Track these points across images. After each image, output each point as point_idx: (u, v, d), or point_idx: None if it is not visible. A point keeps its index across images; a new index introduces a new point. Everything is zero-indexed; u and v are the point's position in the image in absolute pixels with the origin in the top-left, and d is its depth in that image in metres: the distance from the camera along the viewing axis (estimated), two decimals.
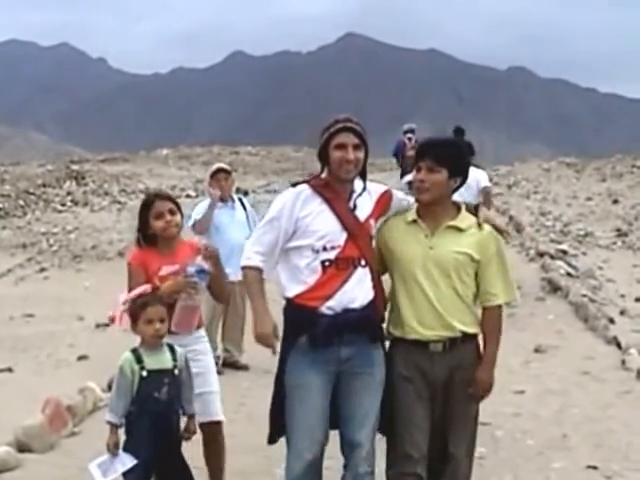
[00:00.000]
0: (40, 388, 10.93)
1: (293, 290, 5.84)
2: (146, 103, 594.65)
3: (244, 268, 5.97)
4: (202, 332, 7.04)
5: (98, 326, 15.20)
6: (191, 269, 6.54)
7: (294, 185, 6.00)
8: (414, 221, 5.98)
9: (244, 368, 12.02)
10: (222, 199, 11.64)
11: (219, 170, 11.97)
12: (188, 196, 32.55)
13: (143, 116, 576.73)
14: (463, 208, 6.07)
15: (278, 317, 5.99)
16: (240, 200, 12.15)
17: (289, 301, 5.90)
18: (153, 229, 6.80)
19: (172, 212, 6.79)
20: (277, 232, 5.86)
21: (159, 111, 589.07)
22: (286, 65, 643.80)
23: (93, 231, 26.26)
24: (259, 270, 5.91)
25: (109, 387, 9.11)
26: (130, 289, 6.52)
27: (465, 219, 5.98)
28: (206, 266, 6.59)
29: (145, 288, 6.38)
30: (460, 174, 5.96)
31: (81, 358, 13.22)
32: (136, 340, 6.38)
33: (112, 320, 10.95)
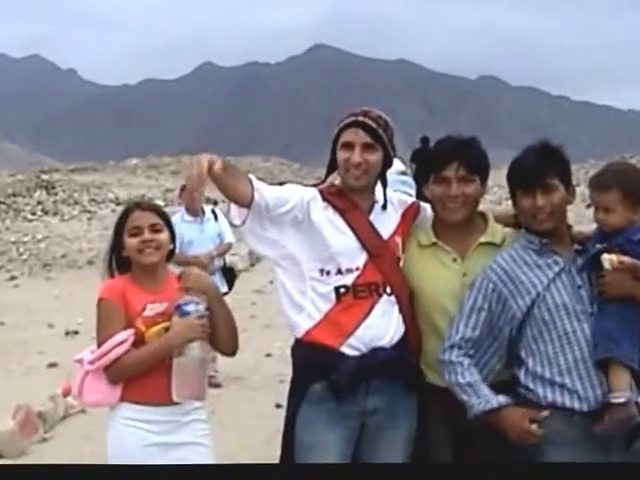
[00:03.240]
0: (10, 395, 10.91)
1: (302, 325, 4.57)
2: (116, 114, 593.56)
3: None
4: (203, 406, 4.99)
5: (67, 333, 15.21)
6: (197, 307, 4.63)
7: (281, 184, 4.81)
8: (434, 244, 4.70)
9: (217, 386, 11.95)
10: (192, 213, 11.49)
11: None
12: None
13: (113, 126, 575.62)
14: (491, 217, 4.80)
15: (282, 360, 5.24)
16: (213, 212, 12.12)
17: (298, 341, 4.64)
18: (126, 250, 4.81)
19: (155, 229, 4.77)
20: (291, 197, 4.56)
21: (128, 122, 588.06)
22: (255, 76, 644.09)
23: (63, 240, 26.31)
24: (252, 190, 4.43)
25: None
26: (102, 338, 4.68)
27: (497, 231, 4.71)
28: (201, 303, 4.65)
29: (125, 336, 4.60)
30: (487, 179, 4.75)
31: (51, 365, 13.18)
32: None
33: (66, 392, 9.71)
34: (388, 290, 4.59)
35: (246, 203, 4.44)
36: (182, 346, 4.56)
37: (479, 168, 4.62)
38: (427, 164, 4.71)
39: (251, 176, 4.47)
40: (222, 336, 4.78)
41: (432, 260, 4.67)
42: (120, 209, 5.41)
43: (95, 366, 4.63)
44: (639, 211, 4.32)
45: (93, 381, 4.68)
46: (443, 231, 4.68)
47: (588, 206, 28.55)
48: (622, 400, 4.06)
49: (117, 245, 4.86)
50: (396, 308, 4.60)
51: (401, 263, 4.73)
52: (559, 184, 4.35)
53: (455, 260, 4.64)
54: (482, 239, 4.65)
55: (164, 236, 4.80)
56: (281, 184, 4.76)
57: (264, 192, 4.44)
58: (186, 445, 4.69)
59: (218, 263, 11.51)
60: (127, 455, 4.56)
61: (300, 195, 4.57)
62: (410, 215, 4.84)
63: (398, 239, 4.73)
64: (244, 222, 4.51)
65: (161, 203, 33.71)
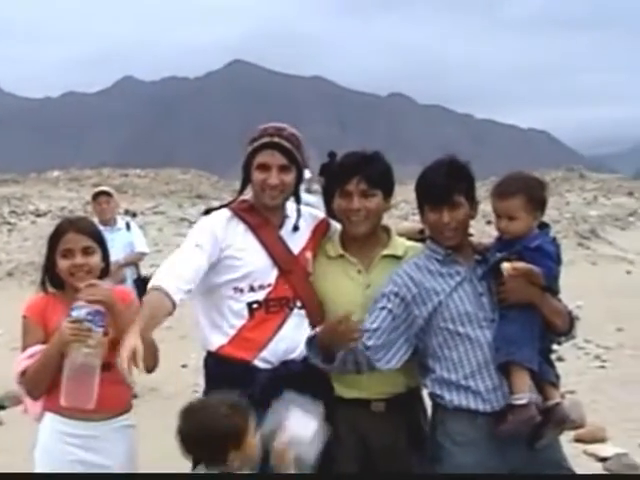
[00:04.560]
0: None
1: (215, 341, 4.54)
2: (37, 126, 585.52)
3: (151, 290, 4.32)
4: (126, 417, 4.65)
5: None
6: (79, 311, 4.31)
7: (207, 212, 4.77)
8: (340, 256, 4.67)
9: (133, 397, 11.81)
10: (104, 222, 11.20)
11: (100, 193, 11.76)
12: None
13: (34, 139, 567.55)
14: (393, 231, 4.84)
15: None
16: (127, 223, 12.01)
17: (211, 354, 4.58)
18: (59, 269, 4.57)
19: (87, 252, 4.53)
20: (203, 257, 4.45)
21: (50, 134, 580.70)
22: (174, 90, 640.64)
23: None
24: (170, 301, 4.27)
25: None
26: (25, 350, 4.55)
27: (399, 244, 4.73)
28: (89, 308, 4.32)
29: (33, 351, 4.45)
30: (392, 193, 4.72)
31: None
32: None
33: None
34: (298, 304, 4.56)
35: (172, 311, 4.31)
36: (63, 349, 4.29)
37: (381, 182, 4.58)
38: (332, 178, 4.70)
39: (163, 286, 4.26)
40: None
41: (338, 271, 4.65)
42: (40, 221, 5.16)
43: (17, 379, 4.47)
44: (538, 217, 4.39)
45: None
46: (349, 243, 4.66)
47: (488, 222, 29.10)
48: (523, 401, 4.11)
49: (50, 262, 4.60)
50: (306, 322, 4.56)
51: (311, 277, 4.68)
52: (464, 201, 4.39)
53: (360, 272, 4.62)
54: (385, 252, 4.64)
55: (96, 259, 4.55)
56: (207, 212, 4.73)
57: (182, 289, 4.31)
58: (107, 469, 4.43)
59: (130, 273, 11.40)
60: (53, 468, 4.40)
61: (210, 247, 4.49)
62: (321, 231, 4.80)
63: (308, 254, 4.69)
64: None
65: (81, 215, 33.46)
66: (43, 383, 4.42)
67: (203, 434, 3.77)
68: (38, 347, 4.42)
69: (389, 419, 4.53)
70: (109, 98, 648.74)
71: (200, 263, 4.43)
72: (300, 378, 4.39)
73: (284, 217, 4.71)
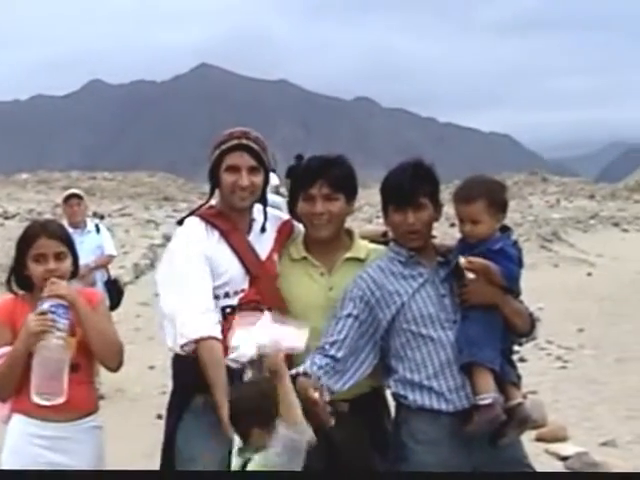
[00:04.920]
0: None
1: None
2: (5, 129, 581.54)
3: (199, 341, 4.30)
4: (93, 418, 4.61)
5: None
6: (45, 304, 4.35)
7: (180, 222, 4.68)
8: (304, 258, 4.67)
9: (100, 398, 11.69)
10: (73, 225, 11.13)
11: (72, 195, 11.69)
12: None
13: (2, 142, 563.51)
14: (356, 234, 4.82)
15: None
16: (97, 225, 11.95)
17: (180, 356, 4.49)
18: (30, 272, 4.54)
19: (59, 257, 4.52)
20: (208, 279, 4.45)
21: (18, 137, 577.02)
22: (141, 94, 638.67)
23: None
24: (219, 340, 4.31)
25: None
26: None
27: (362, 247, 4.72)
28: (52, 302, 4.37)
29: (4, 351, 4.42)
30: (354, 197, 4.74)
31: None
32: None
33: None
34: (266, 308, 4.46)
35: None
36: (30, 347, 4.29)
37: (344, 186, 4.59)
38: (297, 181, 4.70)
39: (211, 331, 4.33)
40: (94, 346, 4.47)
41: (301, 274, 4.65)
42: (9, 223, 5.07)
43: None
44: (500, 219, 4.40)
45: None
46: (312, 246, 4.66)
47: (452, 225, 29.24)
48: (488, 401, 4.13)
49: (20, 265, 4.58)
50: None
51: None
52: (429, 203, 4.40)
53: (322, 274, 4.63)
54: (348, 255, 4.65)
55: (67, 264, 4.56)
56: (180, 223, 4.66)
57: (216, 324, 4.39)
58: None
59: (100, 276, 11.35)
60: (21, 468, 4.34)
61: (204, 260, 4.46)
62: (285, 232, 4.80)
63: (275, 256, 4.69)
64: None
65: (50, 217, 33.31)
66: (11, 384, 4.39)
67: (261, 399, 3.82)
68: (6, 349, 4.38)
69: (353, 419, 4.49)
70: (77, 101, 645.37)
71: (210, 287, 4.43)
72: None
73: (251, 220, 4.69)
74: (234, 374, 4.27)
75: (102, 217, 32.63)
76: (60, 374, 4.30)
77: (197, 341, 4.30)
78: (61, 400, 4.27)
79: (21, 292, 4.62)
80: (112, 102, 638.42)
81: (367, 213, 32.99)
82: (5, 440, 4.45)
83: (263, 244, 4.66)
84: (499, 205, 4.40)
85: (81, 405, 4.47)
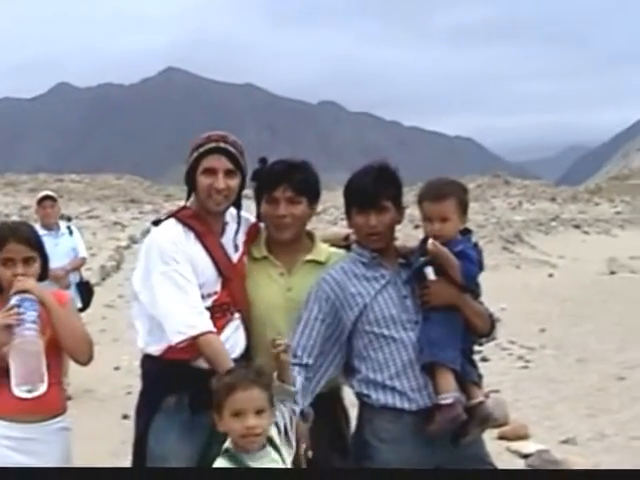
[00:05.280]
0: None
1: (158, 345, 4.46)
2: None
3: (198, 337, 4.33)
4: (62, 419, 4.57)
5: None
6: (13, 300, 4.34)
7: (156, 223, 4.65)
8: (265, 257, 4.70)
9: (68, 398, 11.55)
10: (47, 227, 11.13)
11: (46, 197, 11.65)
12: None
13: None
14: (317, 237, 4.83)
15: None
16: (69, 228, 11.88)
17: (150, 356, 4.52)
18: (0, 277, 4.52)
19: (28, 261, 4.49)
20: (193, 278, 4.45)
21: None
22: (109, 97, 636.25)
23: None
24: (216, 333, 4.38)
25: None
26: None
27: (322, 250, 4.74)
28: (30, 296, 4.37)
29: None
30: (317, 200, 4.76)
31: None
32: None
33: None
34: (237, 309, 4.55)
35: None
36: (2, 340, 4.21)
37: (306, 190, 4.60)
38: (261, 184, 4.68)
39: (206, 326, 4.35)
40: (65, 340, 4.42)
41: (262, 273, 4.66)
42: None
43: None
44: (464, 221, 4.44)
45: None
46: (274, 247, 4.68)
47: (416, 227, 29.37)
48: (450, 401, 4.16)
49: None
50: (242, 325, 4.56)
51: None
52: (392, 206, 4.42)
53: (282, 274, 4.64)
54: (308, 257, 4.66)
55: (35, 268, 4.50)
56: (156, 223, 4.63)
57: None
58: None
59: (73, 278, 11.32)
60: None
61: (186, 263, 4.44)
62: (252, 234, 4.78)
63: (245, 259, 4.70)
64: None
65: (18, 220, 33.13)
66: None
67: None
68: None
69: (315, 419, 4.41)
70: (45, 104, 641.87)
71: (196, 285, 4.41)
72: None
73: (224, 224, 4.67)
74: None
75: (70, 219, 32.39)
76: (38, 363, 4.21)
77: (196, 337, 4.30)
78: (43, 389, 4.18)
79: None
80: (80, 105, 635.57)
81: (332, 215, 33.10)
82: None
83: (234, 247, 4.65)
84: (464, 206, 4.45)
85: (50, 406, 4.41)
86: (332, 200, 36.40)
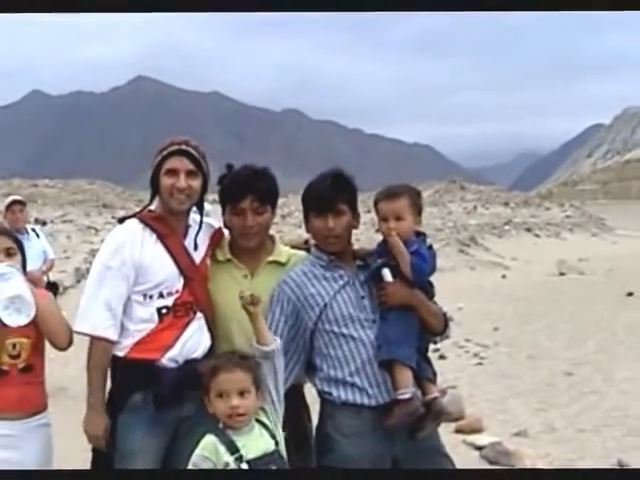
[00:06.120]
0: None
1: (124, 346, 4.49)
2: None
3: (93, 338, 4.43)
4: (44, 416, 4.57)
5: None
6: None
7: (121, 220, 4.71)
8: (228, 260, 4.73)
9: None
10: (17, 231, 11.00)
11: (14, 202, 11.57)
12: None
13: None
14: (277, 239, 4.90)
15: None
16: (34, 230, 11.86)
17: (115, 357, 4.51)
18: None
19: (9, 252, 4.48)
20: (124, 283, 4.48)
21: None
22: (80, 104, 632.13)
23: None
24: (111, 342, 4.44)
25: None
26: None
27: (283, 252, 4.79)
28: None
29: None
30: (276, 205, 4.82)
31: None
32: None
33: None
34: (199, 309, 4.57)
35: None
36: None
37: (270, 198, 4.65)
38: (225, 193, 4.70)
39: (104, 332, 4.41)
40: (47, 323, 4.37)
41: (226, 275, 4.68)
42: None
43: None
44: (417, 223, 4.48)
45: None
46: (236, 249, 4.71)
47: (377, 230, 29.33)
48: (408, 396, 4.19)
49: None
50: (205, 325, 4.58)
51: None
52: (347, 209, 4.46)
53: (246, 276, 4.66)
54: (270, 258, 4.70)
55: (18, 259, 4.48)
56: (121, 221, 4.67)
57: (115, 327, 4.44)
58: (24, 466, 4.33)
59: (45, 279, 11.34)
60: None
61: (128, 268, 4.47)
62: (216, 239, 4.81)
63: (208, 261, 4.72)
64: None
65: None
66: None
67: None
68: None
69: None
70: (18, 111, 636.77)
71: (122, 290, 4.46)
72: (201, 377, 4.26)
73: (187, 226, 4.68)
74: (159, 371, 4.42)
75: (44, 223, 32.29)
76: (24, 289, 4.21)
77: (92, 337, 4.42)
78: (32, 314, 4.16)
79: None
80: (52, 112, 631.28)
81: (297, 218, 33.16)
82: None
83: (198, 248, 4.67)
84: (418, 207, 4.49)
85: (33, 404, 4.44)
86: (297, 204, 36.43)
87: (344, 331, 4.34)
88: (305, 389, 4.77)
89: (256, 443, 3.92)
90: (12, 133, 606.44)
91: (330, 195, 4.44)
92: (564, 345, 15.32)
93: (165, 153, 4.53)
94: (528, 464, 7.91)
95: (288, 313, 4.42)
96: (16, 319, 4.12)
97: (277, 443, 4.02)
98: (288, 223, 32.10)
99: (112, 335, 4.41)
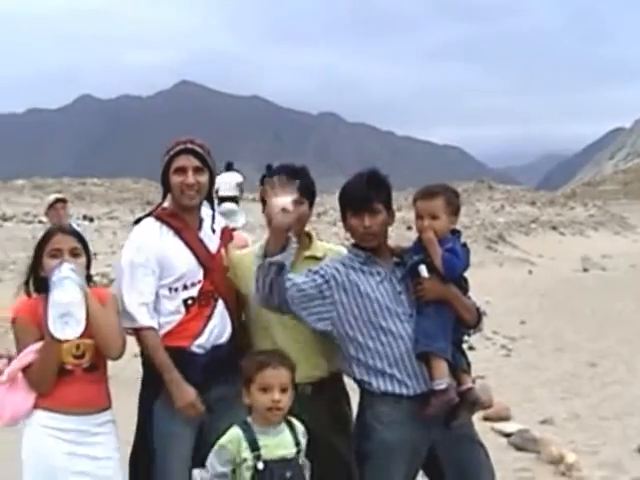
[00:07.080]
0: None
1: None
2: (3, 139, 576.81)
3: (140, 330, 4.49)
4: (109, 413, 4.54)
5: None
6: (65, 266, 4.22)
7: (137, 221, 4.75)
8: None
9: None
10: None
11: (57, 200, 11.47)
12: (40, 222, 31.98)
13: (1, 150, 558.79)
14: (314, 235, 4.85)
15: None
16: (75, 225, 11.88)
17: None
18: (45, 271, 4.30)
19: (75, 253, 4.33)
20: (152, 278, 4.52)
21: (15, 146, 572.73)
22: (128, 108, 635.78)
23: None
24: (156, 330, 4.50)
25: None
26: (18, 353, 4.32)
27: (319, 247, 4.78)
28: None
29: (35, 347, 4.23)
30: (314, 203, 4.81)
31: None
32: None
33: None
34: (219, 297, 4.64)
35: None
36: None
37: (308, 194, 4.63)
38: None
39: (147, 321, 4.47)
40: (97, 334, 4.29)
41: None
42: (7, 225, 4.82)
43: (5, 376, 4.26)
44: (453, 222, 4.47)
45: (7, 396, 4.27)
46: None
47: (409, 228, 29.39)
48: (443, 386, 4.19)
49: (36, 265, 4.36)
50: (227, 311, 4.66)
51: (238, 275, 4.69)
52: (383, 208, 4.44)
53: None
54: (307, 253, 4.68)
55: (82, 260, 4.36)
56: (137, 222, 4.73)
57: (153, 317, 4.49)
58: (94, 460, 4.30)
59: None
60: (40, 461, 4.25)
61: (153, 262, 4.52)
62: (227, 236, 4.88)
63: (223, 251, 4.76)
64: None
65: (44, 219, 33.12)
66: (49, 375, 4.27)
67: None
68: (37, 345, 4.23)
69: (315, 402, 4.50)
70: (69, 114, 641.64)
71: (152, 285, 4.51)
72: (228, 360, 4.47)
73: (200, 220, 4.74)
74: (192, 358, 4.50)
75: (92, 220, 32.56)
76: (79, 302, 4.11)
77: (136, 329, 4.47)
78: (80, 329, 4.09)
79: (34, 295, 4.40)
80: (100, 115, 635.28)
81: (332, 217, 33.09)
82: (25, 438, 4.32)
83: (212, 240, 4.73)
84: (454, 207, 4.48)
85: (98, 402, 4.42)
86: (332, 203, 36.45)
87: (383, 323, 4.33)
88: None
89: (277, 446, 3.92)
90: (63, 135, 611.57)
91: (366, 194, 4.43)
92: (588, 337, 15.26)
93: (172, 153, 4.60)
94: (554, 450, 7.87)
95: (325, 279, 4.35)
96: (63, 333, 4.08)
97: (299, 451, 3.99)
98: (323, 221, 32.04)
99: (153, 324, 4.47)
